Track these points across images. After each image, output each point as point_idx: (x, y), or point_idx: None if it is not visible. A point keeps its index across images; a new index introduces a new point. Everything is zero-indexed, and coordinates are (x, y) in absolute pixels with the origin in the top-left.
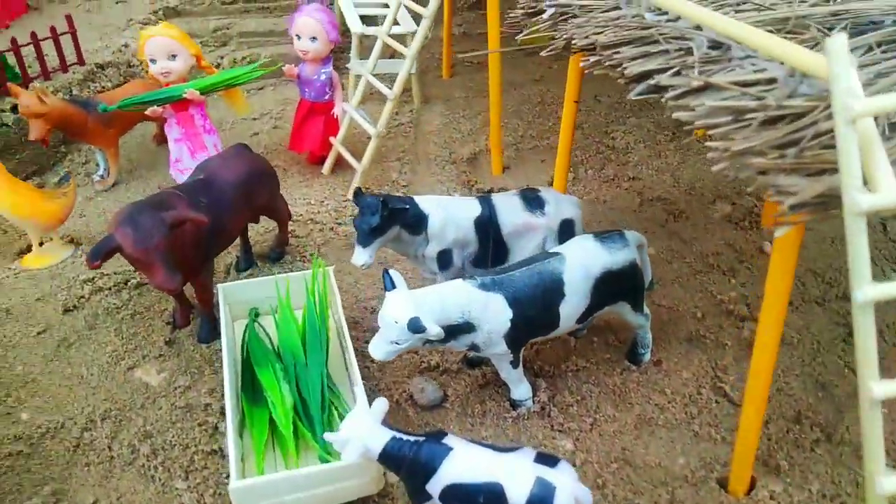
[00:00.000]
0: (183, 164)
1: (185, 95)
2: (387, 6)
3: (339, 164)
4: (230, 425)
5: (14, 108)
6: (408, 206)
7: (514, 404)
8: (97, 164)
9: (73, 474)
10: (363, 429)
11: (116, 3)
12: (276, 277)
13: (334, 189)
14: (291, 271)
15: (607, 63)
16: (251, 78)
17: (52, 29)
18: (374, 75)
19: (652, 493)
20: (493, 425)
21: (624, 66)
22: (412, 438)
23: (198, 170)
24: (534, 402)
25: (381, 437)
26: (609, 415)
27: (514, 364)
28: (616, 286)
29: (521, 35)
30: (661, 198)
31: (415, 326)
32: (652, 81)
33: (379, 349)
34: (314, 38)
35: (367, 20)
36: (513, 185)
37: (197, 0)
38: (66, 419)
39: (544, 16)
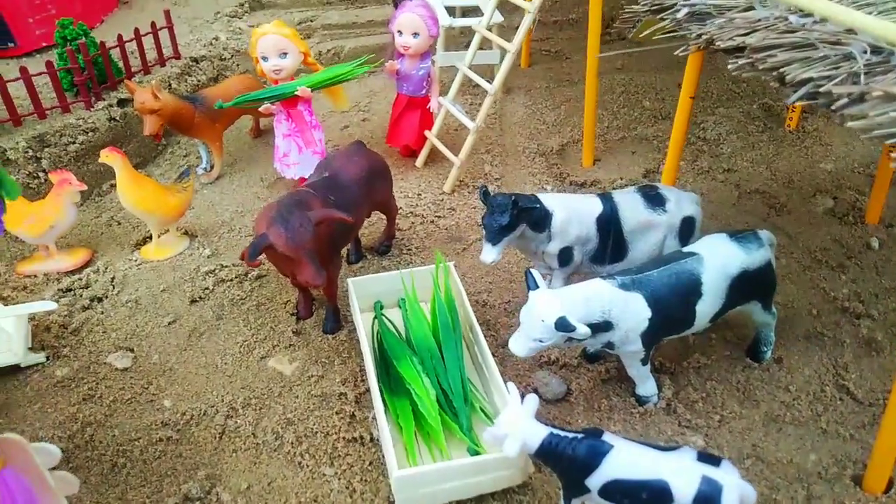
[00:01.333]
0: (290, 158)
1: (297, 93)
2: None
3: (432, 156)
4: (381, 416)
5: (121, 102)
6: (537, 206)
7: (640, 400)
8: (199, 157)
9: (223, 460)
10: (521, 424)
11: None
12: (400, 272)
13: (430, 182)
14: (400, 263)
15: (761, 66)
16: (356, 74)
17: (153, 24)
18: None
19: (788, 488)
20: (620, 420)
21: (783, 70)
22: (570, 435)
23: (322, 167)
24: (659, 398)
25: (538, 433)
26: (735, 411)
27: (644, 361)
28: (751, 286)
29: (634, 31)
30: (759, 190)
31: (563, 325)
32: (819, 89)
33: (521, 346)
34: (416, 34)
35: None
36: (605, 177)
37: None
38: (207, 407)
39: (678, 15)
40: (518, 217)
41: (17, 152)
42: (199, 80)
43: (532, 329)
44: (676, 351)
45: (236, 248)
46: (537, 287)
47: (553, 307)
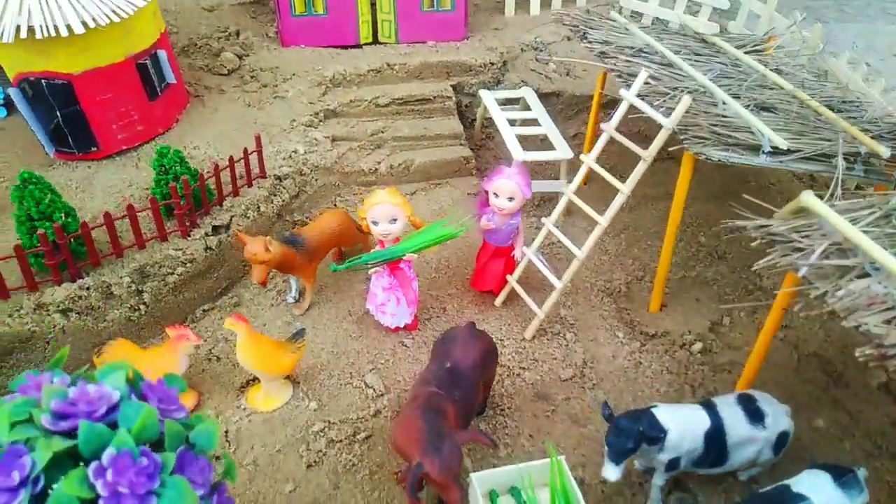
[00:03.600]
0: (388, 308)
1: (405, 259)
2: (515, 104)
3: (510, 297)
4: None
5: (215, 230)
6: (662, 435)
7: None
8: (286, 282)
9: None
10: None
11: (275, 97)
12: (517, 467)
13: (510, 325)
14: (496, 427)
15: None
16: (454, 237)
17: (245, 151)
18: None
19: None
20: None
21: None
22: None
23: (441, 355)
24: None
25: None
26: None
27: None
28: None
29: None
30: (816, 353)
31: None
32: None
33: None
34: (511, 199)
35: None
36: (674, 328)
37: (354, 102)
38: None
39: (799, 273)
40: (641, 440)
41: (122, 287)
42: (283, 200)
43: None
44: None
45: (338, 398)
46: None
47: None
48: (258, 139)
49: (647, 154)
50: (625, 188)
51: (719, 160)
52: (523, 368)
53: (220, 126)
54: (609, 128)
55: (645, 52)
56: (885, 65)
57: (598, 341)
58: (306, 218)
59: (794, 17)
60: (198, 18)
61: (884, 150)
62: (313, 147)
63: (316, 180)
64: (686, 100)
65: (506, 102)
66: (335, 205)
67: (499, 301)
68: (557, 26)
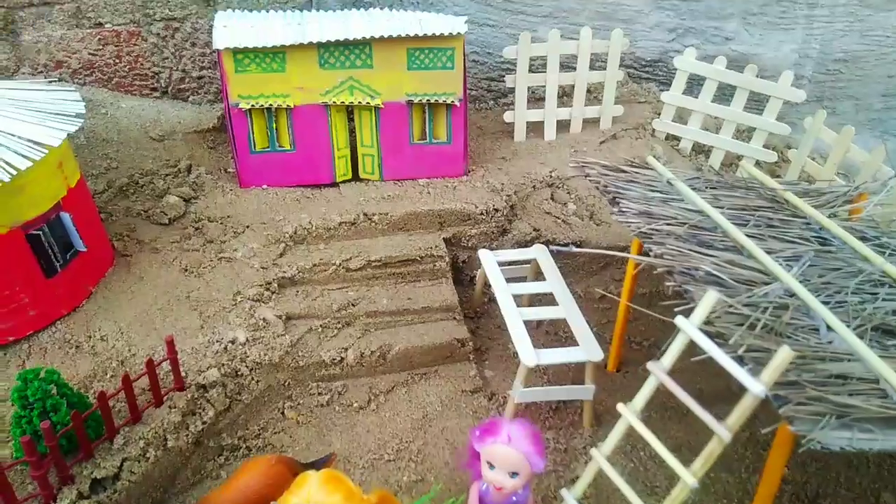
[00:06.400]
0: None
1: None
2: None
3: None
4: None
5: (96, 486)
6: None
7: None
8: None
9: None
10: None
11: (220, 258)
12: None
13: None
14: None
15: None
16: None
17: (149, 363)
18: None
19: None
20: None
21: None
22: None
23: None
24: None
25: None
26: None
27: None
28: None
29: None
30: None
31: None
32: None
33: None
34: (515, 474)
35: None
36: None
37: (319, 266)
38: None
39: None
40: None
41: None
42: (206, 420)
43: None
44: None
45: None
46: None
47: None
48: (170, 344)
49: (726, 432)
50: (690, 479)
51: (841, 449)
52: None
53: (142, 304)
54: (659, 371)
55: (701, 228)
56: None
57: None
58: (239, 440)
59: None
60: (144, 150)
61: None
62: (259, 332)
63: (257, 382)
64: (785, 354)
65: (512, 264)
66: (283, 413)
67: None
68: (578, 156)
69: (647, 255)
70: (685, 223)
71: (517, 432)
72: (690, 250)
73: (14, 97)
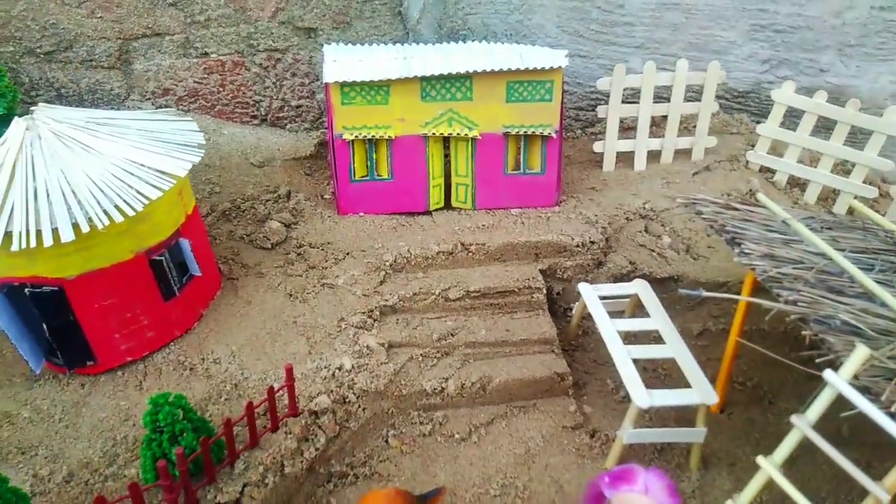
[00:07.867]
0: None
1: None
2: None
3: None
4: None
5: None
6: None
7: None
8: None
9: None
10: None
11: (322, 284)
12: None
13: None
14: None
15: None
16: None
17: (270, 391)
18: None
19: None
20: None
21: None
22: None
23: None
24: None
25: None
26: None
27: None
28: None
29: None
30: None
31: None
32: None
33: None
34: None
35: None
36: None
37: (419, 294)
38: None
39: None
40: None
41: None
42: (318, 447)
43: None
44: None
45: None
46: None
47: None
48: (289, 372)
49: (884, 494)
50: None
51: None
52: None
53: (251, 327)
54: (805, 425)
55: (828, 273)
56: None
57: None
58: (347, 467)
59: None
60: (245, 176)
61: None
62: (364, 360)
63: (364, 410)
64: None
65: (612, 298)
66: (386, 442)
67: None
68: (670, 187)
69: (777, 301)
70: (811, 267)
71: (655, 483)
72: (822, 297)
73: (141, 128)
